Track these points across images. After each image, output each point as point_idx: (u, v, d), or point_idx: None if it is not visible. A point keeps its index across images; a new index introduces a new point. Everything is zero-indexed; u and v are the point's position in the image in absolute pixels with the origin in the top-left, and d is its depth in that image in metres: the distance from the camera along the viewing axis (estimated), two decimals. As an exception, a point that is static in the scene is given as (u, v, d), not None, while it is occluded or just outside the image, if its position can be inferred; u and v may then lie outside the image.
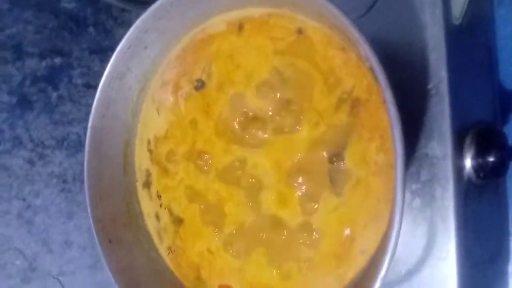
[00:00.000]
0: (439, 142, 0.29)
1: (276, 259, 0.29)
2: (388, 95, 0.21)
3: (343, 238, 0.26)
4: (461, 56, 0.29)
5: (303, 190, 0.27)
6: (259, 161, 0.29)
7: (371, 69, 0.23)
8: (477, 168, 0.29)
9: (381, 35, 0.30)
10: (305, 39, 0.27)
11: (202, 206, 0.31)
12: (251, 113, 0.29)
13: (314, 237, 0.27)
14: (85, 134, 0.32)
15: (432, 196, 0.29)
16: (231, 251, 0.30)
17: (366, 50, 0.22)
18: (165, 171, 0.33)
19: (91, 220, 0.31)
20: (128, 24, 0.31)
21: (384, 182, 0.25)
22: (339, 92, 0.26)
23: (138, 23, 0.30)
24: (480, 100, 0.32)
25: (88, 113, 0.31)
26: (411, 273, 0.30)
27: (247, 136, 0.29)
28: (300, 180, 0.27)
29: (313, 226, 0.27)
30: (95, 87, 0.31)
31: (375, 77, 0.22)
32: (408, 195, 0.29)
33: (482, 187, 0.30)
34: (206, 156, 0.30)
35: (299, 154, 0.27)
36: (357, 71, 0.26)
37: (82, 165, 0.31)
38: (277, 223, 0.29)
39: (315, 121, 0.27)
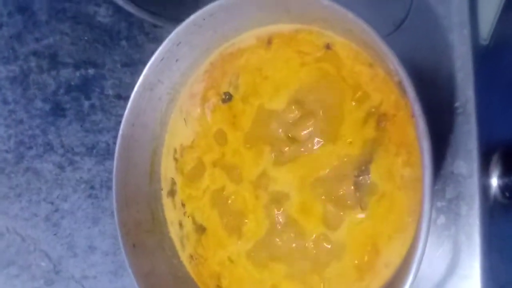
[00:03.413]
0: (465, 161, 0.29)
1: (298, 270, 0.29)
2: (417, 107, 0.22)
3: (367, 251, 0.26)
4: (489, 76, 0.30)
5: (328, 203, 0.28)
6: (285, 174, 0.29)
7: (399, 83, 0.23)
8: (503, 188, 0.29)
9: (409, 53, 0.30)
10: (333, 54, 0.27)
11: (224, 213, 0.31)
12: (278, 126, 0.29)
13: (337, 250, 0.27)
14: (114, 142, 0.32)
15: (457, 214, 0.29)
16: (252, 261, 0.31)
17: (395, 64, 0.22)
18: (189, 179, 0.34)
19: (116, 223, 0.32)
20: (158, 40, 0.32)
21: (409, 195, 0.25)
22: (367, 106, 0.26)
23: (172, 36, 0.31)
24: (508, 120, 0.31)
25: (117, 123, 0.32)
26: (434, 292, 0.29)
27: (274, 149, 0.29)
28: (324, 193, 0.28)
29: (337, 239, 0.27)
30: (125, 99, 0.32)
31: (404, 91, 0.23)
32: (433, 213, 0.29)
33: (508, 206, 0.30)
34: (233, 165, 0.31)
35: (325, 167, 0.27)
36: (385, 87, 0.26)
37: (110, 172, 0.32)
38: (300, 235, 0.29)
39: (342, 136, 0.27)
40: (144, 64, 0.32)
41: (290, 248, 0.29)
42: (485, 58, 0.29)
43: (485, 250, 0.28)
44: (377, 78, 0.26)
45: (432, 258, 0.30)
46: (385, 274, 0.26)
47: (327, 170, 0.27)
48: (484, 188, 0.29)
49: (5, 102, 0.43)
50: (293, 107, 0.28)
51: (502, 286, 0.29)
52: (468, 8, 0.29)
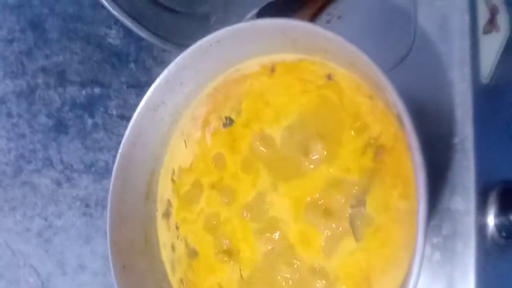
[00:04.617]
0: (463, 197, 0.29)
1: (289, 301, 0.28)
2: (413, 140, 0.22)
3: (359, 284, 0.26)
4: (488, 114, 0.30)
5: (322, 232, 0.27)
6: (281, 199, 0.29)
7: (398, 116, 0.23)
8: (500, 227, 0.29)
9: (409, 89, 0.31)
10: (334, 84, 0.28)
11: (217, 238, 0.31)
12: (276, 150, 0.29)
13: (329, 281, 0.27)
14: (113, 162, 0.33)
15: (452, 251, 0.29)
16: (242, 289, 0.30)
17: (393, 96, 0.23)
18: (185, 202, 0.34)
19: (108, 242, 0.31)
20: (166, 64, 0.33)
21: (405, 229, 0.25)
22: (366, 137, 0.26)
23: (178, 60, 0.32)
24: (506, 159, 0.32)
25: (118, 143, 0.33)
26: (426, 331, 0.29)
27: (271, 172, 0.29)
28: (319, 221, 0.28)
29: (329, 270, 0.27)
30: (128, 119, 0.33)
31: (401, 123, 0.23)
32: (428, 249, 0.29)
33: (505, 247, 0.29)
34: (230, 189, 0.31)
35: (321, 193, 0.27)
36: (384, 119, 0.26)
37: (106, 191, 0.32)
38: (293, 265, 0.28)
39: (340, 164, 0.27)
40: (150, 86, 0.32)
41: (282, 278, 0.29)
42: (485, 96, 0.30)
43: (480, 289, 0.28)
44: (377, 110, 0.26)
45: (426, 295, 0.29)
46: (377, 308, 0.25)
47: (323, 196, 0.27)
48: (481, 226, 0.28)
49: (9, 115, 0.43)
50: (292, 131, 0.28)
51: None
52: (469, 47, 0.30)
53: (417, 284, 0.22)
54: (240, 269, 0.30)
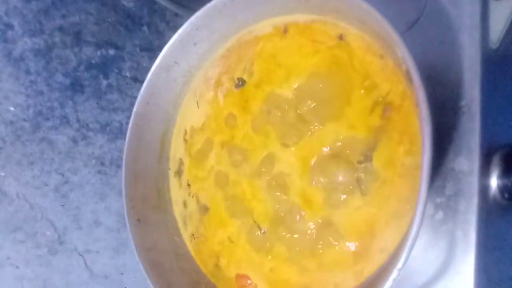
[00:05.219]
0: (467, 158, 0.29)
1: (296, 254, 0.30)
2: (421, 94, 0.23)
3: (363, 236, 0.27)
4: (496, 79, 0.30)
5: (329, 188, 0.28)
6: (290, 157, 0.30)
7: (407, 72, 0.24)
8: (502, 188, 0.29)
9: (419, 52, 0.31)
10: (345, 44, 0.29)
11: (227, 194, 0.32)
12: (286, 110, 0.30)
13: (335, 233, 0.28)
14: (126, 123, 0.34)
15: (455, 210, 0.29)
16: (252, 243, 0.31)
17: (403, 51, 0.23)
18: (197, 160, 0.35)
19: (123, 197, 0.33)
20: (179, 28, 0.33)
21: (409, 184, 0.26)
22: (375, 95, 0.27)
23: (192, 19, 0.32)
24: (510, 123, 0.32)
25: (132, 104, 0.34)
26: (427, 285, 0.30)
27: (281, 132, 0.30)
28: (326, 178, 0.28)
29: (335, 223, 0.28)
30: (141, 82, 0.33)
31: (410, 79, 0.24)
32: (431, 208, 0.30)
33: (506, 208, 0.30)
34: (241, 148, 0.32)
35: (328, 153, 0.28)
36: (393, 77, 0.27)
37: (121, 151, 0.33)
38: (300, 220, 0.29)
39: (348, 121, 0.28)
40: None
41: (290, 232, 0.30)
42: (494, 61, 0.30)
43: (481, 248, 0.28)
44: (386, 69, 0.27)
45: (428, 252, 0.30)
46: (380, 259, 0.26)
47: (330, 152, 0.28)
48: (484, 187, 0.29)
49: (28, 72, 0.44)
50: (302, 90, 0.29)
51: (494, 284, 0.30)
52: (479, 13, 0.30)
53: (418, 234, 0.23)
54: (246, 224, 0.32)
